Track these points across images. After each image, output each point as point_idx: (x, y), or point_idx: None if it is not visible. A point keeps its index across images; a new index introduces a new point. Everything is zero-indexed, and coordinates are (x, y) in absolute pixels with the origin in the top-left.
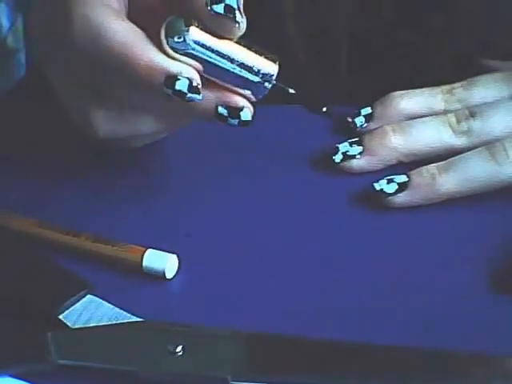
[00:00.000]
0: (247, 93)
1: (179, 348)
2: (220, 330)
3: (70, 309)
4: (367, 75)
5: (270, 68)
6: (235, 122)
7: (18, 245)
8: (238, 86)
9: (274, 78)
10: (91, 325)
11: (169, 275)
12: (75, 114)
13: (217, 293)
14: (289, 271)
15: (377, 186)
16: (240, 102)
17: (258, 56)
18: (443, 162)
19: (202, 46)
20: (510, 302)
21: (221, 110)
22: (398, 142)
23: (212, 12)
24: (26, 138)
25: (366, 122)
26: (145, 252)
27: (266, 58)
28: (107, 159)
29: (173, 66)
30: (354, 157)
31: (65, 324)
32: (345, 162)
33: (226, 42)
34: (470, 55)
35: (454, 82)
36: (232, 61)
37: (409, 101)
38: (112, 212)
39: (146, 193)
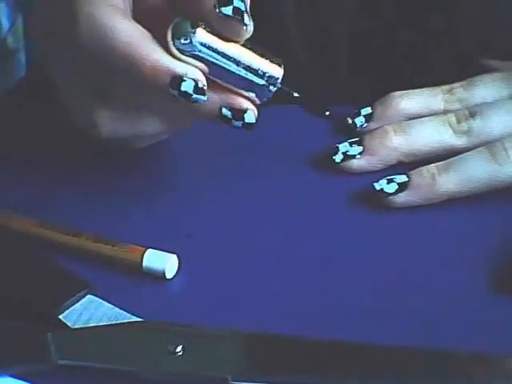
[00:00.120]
0: (251, 95)
1: (179, 348)
2: (220, 329)
3: (70, 309)
4: (367, 75)
5: (275, 71)
6: (239, 124)
7: (19, 245)
8: (242, 89)
9: (278, 81)
10: (91, 325)
11: (169, 275)
12: (78, 114)
13: (217, 293)
14: (289, 271)
15: (377, 186)
16: (244, 104)
17: (263, 59)
18: (443, 162)
19: (209, 47)
20: (509, 302)
21: (225, 111)
22: (398, 142)
23: (220, 14)
24: (26, 137)
25: (366, 122)
26: (145, 252)
27: (271, 61)
28: (107, 159)
29: (179, 67)
30: (354, 157)
31: (65, 324)
32: (345, 162)
33: (232, 44)
34: (469, 55)
35: (453, 82)
36: (238, 63)
37: (409, 101)
38: (112, 212)
39: (146, 193)
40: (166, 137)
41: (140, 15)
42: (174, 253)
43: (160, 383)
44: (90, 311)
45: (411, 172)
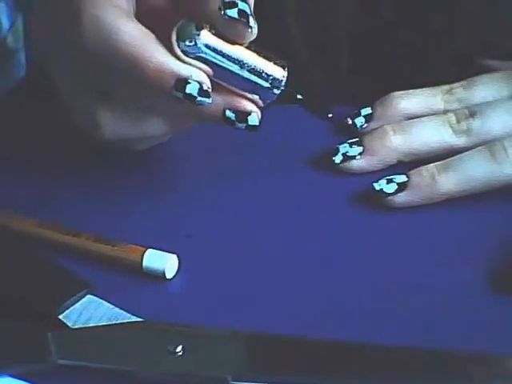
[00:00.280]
0: (255, 98)
1: (179, 348)
2: (220, 329)
3: (70, 309)
4: (367, 75)
5: (280, 74)
6: (242, 126)
7: (19, 245)
8: (246, 91)
9: (282, 83)
10: (91, 325)
11: (169, 275)
12: (80, 114)
13: (217, 293)
14: (289, 271)
15: (376, 186)
16: (248, 106)
17: (267, 61)
18: (443, 162)
19: (213, 50)
20: (509, 302)
21: (228, 113)
22: (398, 142)
23: (225, 16)
24: (26, 137)
25: (366, 122)
26: (145, 252)
27: (276, 63)
28: (107, 159)
29: (183, 70)
30: (354, 157)
31: (65, 324)
32: (345, 163)
33: (237, 46)
34: (469, 55)
35: (453, 82)
36: (242, 65)
37: (409, 101)
38: (112, 212)
39: (146, 193)
40: (168, 138)
41: (143, 16)
42: (174, 253)
43: (160, 383)
44: (89, 311)
45: (411, 172)
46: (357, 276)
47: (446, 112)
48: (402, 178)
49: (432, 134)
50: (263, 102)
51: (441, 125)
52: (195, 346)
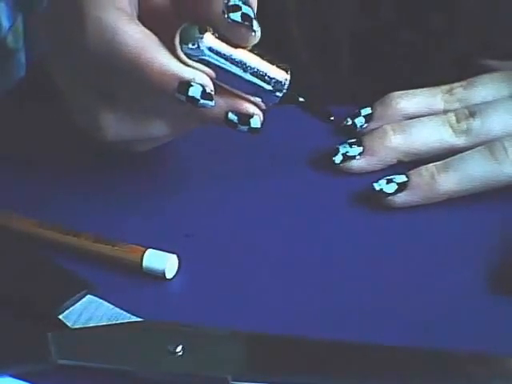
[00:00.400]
0: (258, 100)
1: (179, 348)
2: (220, 330)
3: (70, 309)
4: (367, 75)
5: (282, 77)
6: (245, 128)
7: (18, 245)
8: (249, 94)
9: (285, 86)
10: (91, 325)
11: (169, 275)
12: (82, 115)
13: (217, 293)
14: (289, 271)
15: (376, 186)
16: (250, 109)
17: (270, 65)
18: (442, 162)
19: (216, 53)
20: (509, 303)
21: (231, 116)
22: (398, 142)
23: (229, 20)
24: (26, 137)
25: (365, 122)
26: (145, 252)
27: (278, 66)
28: (107, 159)
29: (186, 72)
30: (353, 157)
31: (65, 324)
32: (345, 163)
33: (240, 49)
34: (469, 55)
35: (453, 81)
36: (245, 68)
37: (409, 101)
38: (112, 212)
39: (146, 193)
40: (169, 140)
41: (146, 19)
42: (174, 253)
43: (160, 383)
44: (89, 311)
45: (410, 172)
46: (357, 276)
47: (445, 112)
48: (401, 178)
49: (432, 134)
50: (266, 105)
51: (441, 125)
52: (195, 346)
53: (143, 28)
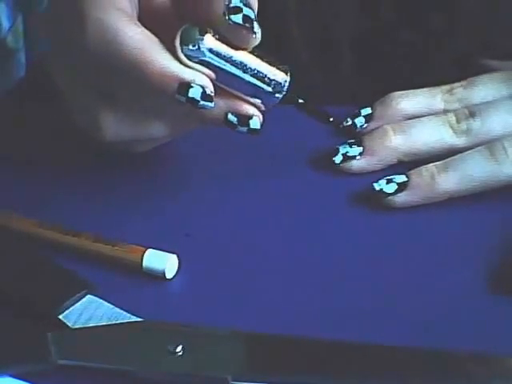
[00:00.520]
0: (257, 102)
1: (179, 348)
2: (220, 329)
3: (70, 309)
4: (367, 75)
5: (282, 78)
6: (244, 129)
7: (19, 245)
8: (249, 95)
9: (285, 88)
10: (91, 325)
11: (169, 275)
12: (82, 115)
13: (217, 293)
14: (289, 271)
15: (376, 186)
16: (250, 110)
17: (270, 66)
18: (442, 162)
19: (217, 54)
20: (509, 303)
21: (230, 117)
22: (398, 142)
23: (230, 22)
24: (26, 138)
25: (365, 122)
26: (145, 252)
27: (278, 68)
28: (107, 159)
29: (186, 74)
30: (354, 158)
31: (65, 324)
32: (345, 163)
33: (240, 51)
34: (469, 55)
35: (453, 82)
36: (245, 70)
37: (409, 101)
38: (112, 212)
39: (146, 193)
40: (168, 140)
41: (147, 20)
42: (174, 253)
43: (160, 383)
44: (89, 311)
45: (410, 172)
46: (357, 276)
47: (446, 112)
48: (401, 178)
49: (432, 134)
50: (265, 106)
51: (441, 125)
52: (195, 346)
53: (144, 29)
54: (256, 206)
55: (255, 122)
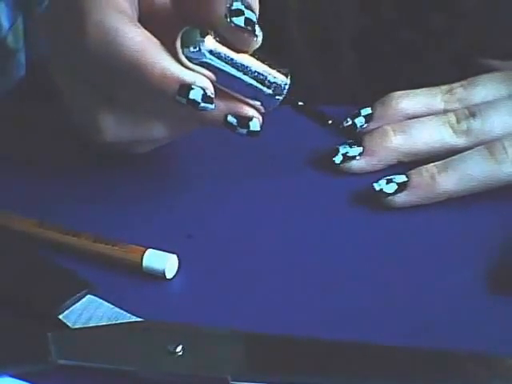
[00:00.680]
0: (257, 104)
1: (179, 348)
2: (220, 329)
3: (70, 309)
4: (367, 75)
5: (283, 81)
6: (244, 131)
7: (19, 245)
8: (249, 97)
9: (285, 91)
10: (91, 325)
11: (169, 275)
12: (81, 116)
13: (217, 293)
14: (289, 271)
15: (376, 186)
16: (250, 112)
17: (271, 69)
18: (442, 161)
19: (217, 56)
20: (509, 303)
21: (230, 118)
22: (398, 142)
23: (232, 24)
24: (26, 137)
25: (365, 122)
26: (145, 252)
27: (279, 71)
28: (107, 159)
29: (187, 76)
30: (353, 158)
31: (65, 324)
32: (345, 163)
33: (241, 53)
34: (469, 55)
35: (453, 82)
36: (246, 72)
37: (409, 101)
38: (112, 212)
39: (146, 193)
40: (167, 142)
41: (147, 22)
42: (174, 253)
43: (160, 383)
44: (90, 311)
45: (410, 172)
46: (357, 276)
47: (446, 112)
48: (401, 178)
49: (432, 134)
50: (265, 109)
51: (441, 125)
52: (195, 346)
53: (145, 31)
54: (256, 206)
55: (255, 124)
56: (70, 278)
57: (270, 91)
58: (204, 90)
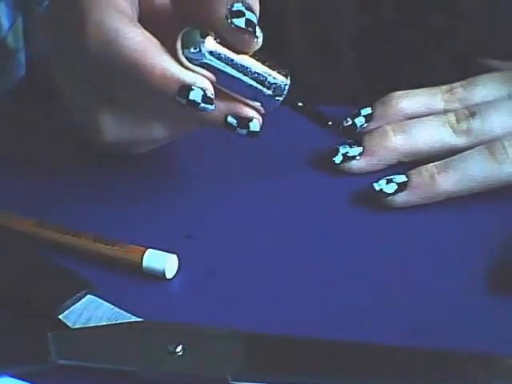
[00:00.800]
0: (257, 105)
1: (179, 348)
2: (220, 329)
3: (70, 309)
4: (367, 75)
5: (283, 82)
6: (244, 131)
7: (19, 245)
8: (249, 98)
9: (285, 92)
10: (91, 325)
11: (169, 275)
12: (81, 116)
13: (217, 293)
14: (288, 271)
15: (376, 186)
16: (250, 112)
17: (271, 70)
18: (442, 161)
19: (217, 57)
20: (509, 303)
21: (230, 119)
22: (398, 142)
23: (232, 25)
24: (26, 137)
25: (365, 122)
26: (145, 252)
27: (279, 72)
28: (107, 159)
29: (187, 76)
30: (353, 158)
31: (65, 324)
32: (345, 163)
33: (241, 54)
34: (469, 55)
35: (453, 81)
36: (246, 73)
37: (409, 101)
38: (112, 212)
39: (146, 193)
40: (167, 142)
41: (148, 22)
42: (174, 253)
43: (160, 383)
44: (89, 311)
45: (410, 172)
46: (357, 276)
47: (446, 112)
48: (401, 178)
49: (432, 134)
50: (265, 109)
51: (441, 125)
52: (195, 346)
53: (145, 31)
54: (256, 206)
55: (255, 125)
56: (69, 278)
57: (270, 92)
58: (204, 90)
